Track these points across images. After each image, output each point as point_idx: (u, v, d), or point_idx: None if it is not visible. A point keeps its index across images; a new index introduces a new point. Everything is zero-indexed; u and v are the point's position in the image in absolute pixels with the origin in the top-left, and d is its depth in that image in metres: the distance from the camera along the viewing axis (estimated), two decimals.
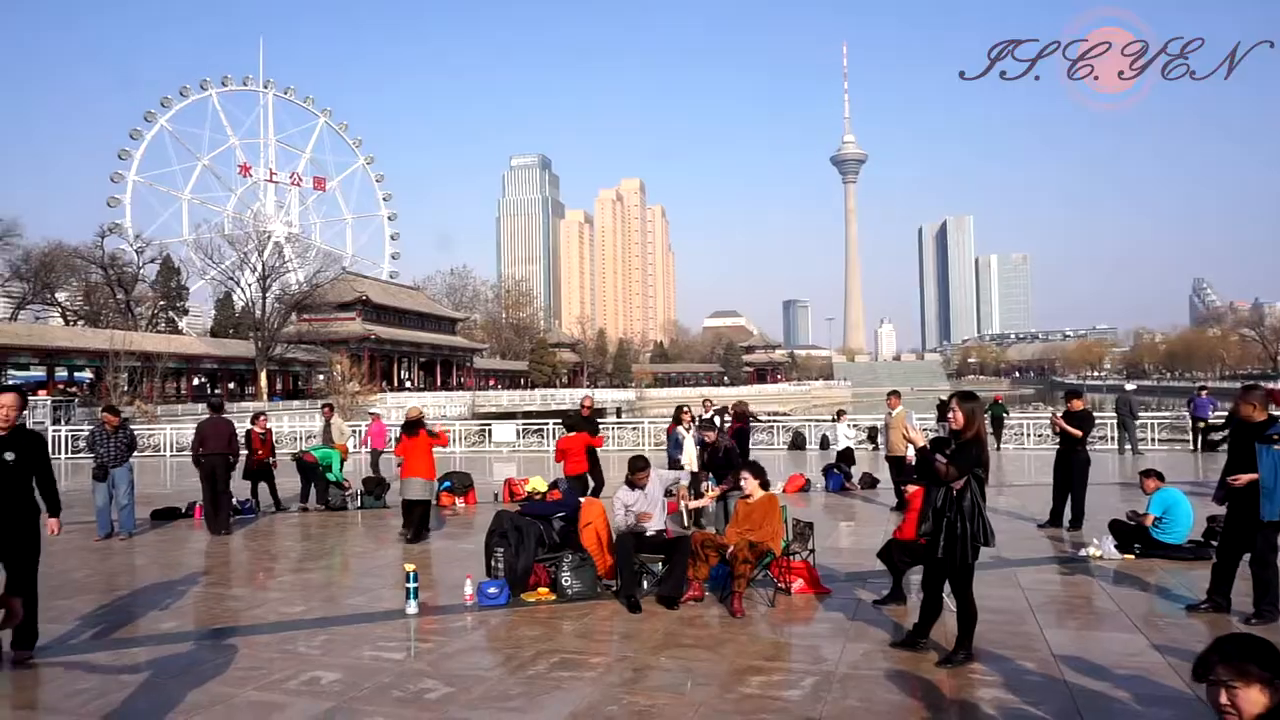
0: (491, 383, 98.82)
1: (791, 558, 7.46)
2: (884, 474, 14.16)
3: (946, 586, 5.54)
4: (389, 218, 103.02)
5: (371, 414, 15.30)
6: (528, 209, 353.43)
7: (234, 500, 12.04)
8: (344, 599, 7.69)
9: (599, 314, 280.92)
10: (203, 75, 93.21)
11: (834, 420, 19.91)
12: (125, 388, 43.00)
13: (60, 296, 65.99)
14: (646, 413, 61.84)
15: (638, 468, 7.53)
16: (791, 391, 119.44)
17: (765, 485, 7.50)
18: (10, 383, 41.75)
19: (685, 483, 8.30)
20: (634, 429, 27.23)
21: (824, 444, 23.63)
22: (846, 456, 15.74)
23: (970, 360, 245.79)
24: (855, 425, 21.88)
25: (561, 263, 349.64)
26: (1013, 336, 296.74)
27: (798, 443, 24.41)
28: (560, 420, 14.21)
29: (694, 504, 9.34)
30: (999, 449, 21.70)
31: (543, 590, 7.31)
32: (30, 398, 21.65)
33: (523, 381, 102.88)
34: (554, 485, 13.06)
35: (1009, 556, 8.47)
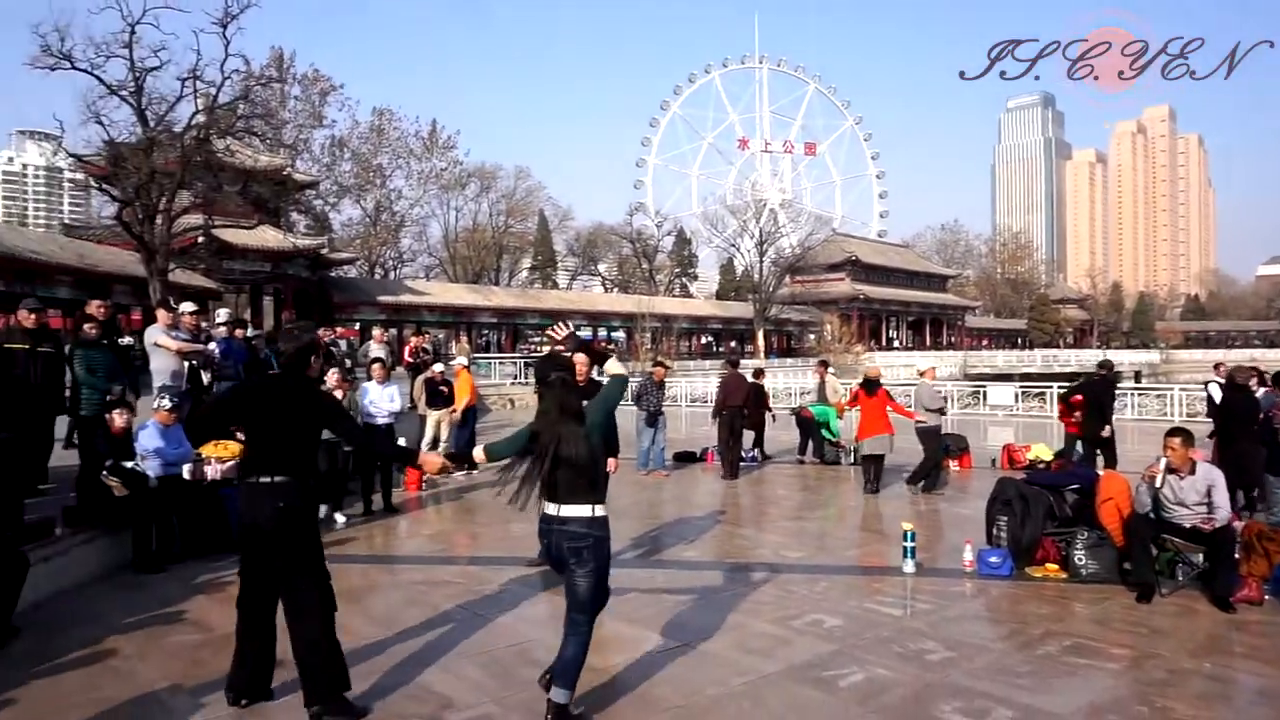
0: (984, 342, 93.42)
1: None
2: None
3: None
4: (877, 176, 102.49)
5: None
6: (1027, 153, 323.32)
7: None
8: (839, 550, 7.98)
9: (1112, 265, 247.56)
10: (707, 60, 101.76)
11: None
12: (649, 345, 49.58)
13: (600, 268, 78.46)
14: (1174, 377, 53.07)
15: (1170, 436, 6.38)
16: None
17: None
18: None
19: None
20: (1158, 396, 23.56)
21: None
22: None
23: None
24: None
25: (1067, 209, 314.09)
26: None
27: None
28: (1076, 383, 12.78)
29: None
30: None
31: (1051, 566, 6.75)
32: None
33: (1020, 341, 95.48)
34: (1060, 454, 11.97)
35: None
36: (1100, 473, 7.39)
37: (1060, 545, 6.82)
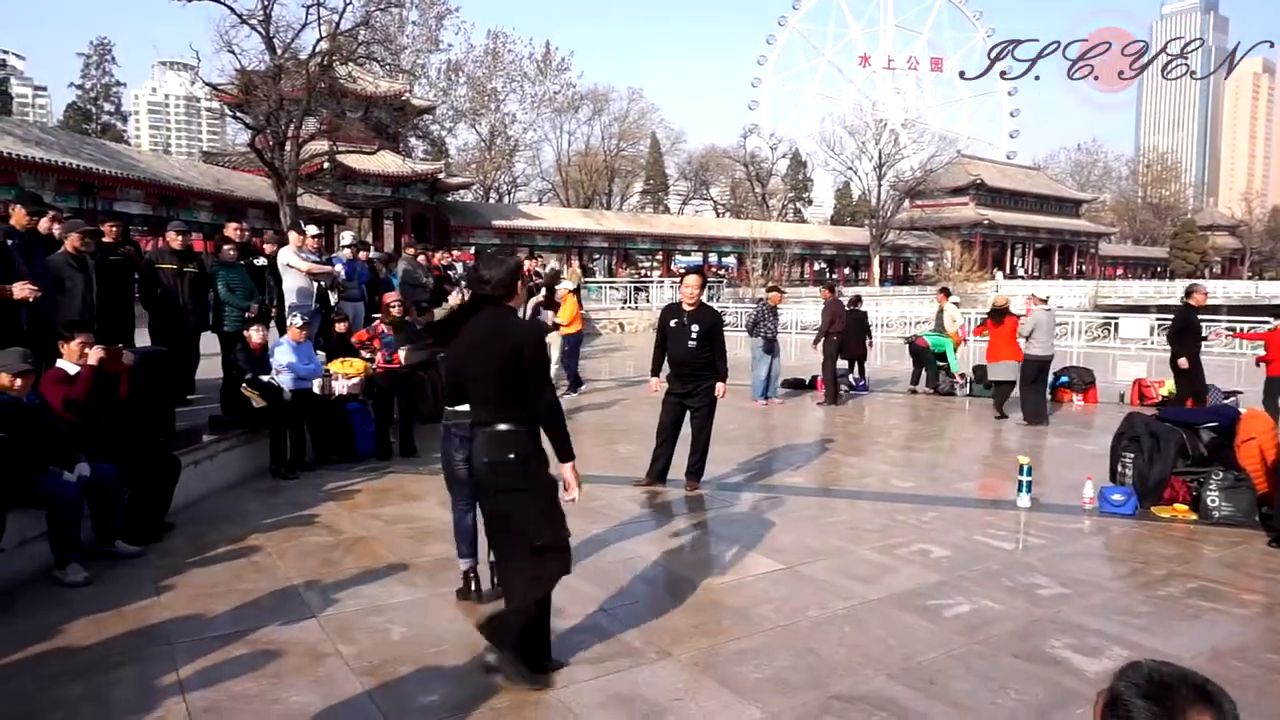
0: (1119, 271, 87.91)
1: None
2: None
3: None
4: (1009, 93, 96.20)
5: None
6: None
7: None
8: (950, 481, 7.81)
9: (1273, 188, 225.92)
10: None
11: None
12: (760, 271, 48.86)
13: (712, 192, 77.22)
14: None
15: None
16: None
17: None
18: (689, 265, 50.67)
19: None
20: None
21: None
22: None
23: None
24: None
25: (1223, 126, 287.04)
26: None
27: None
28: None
29: None
30: None
31: (1180, 507, 6.44)
32: None
33: (1159, 271, 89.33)
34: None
35: None
36: (1243, 410, 6.92)
37: (1191, 485, 6.48)
